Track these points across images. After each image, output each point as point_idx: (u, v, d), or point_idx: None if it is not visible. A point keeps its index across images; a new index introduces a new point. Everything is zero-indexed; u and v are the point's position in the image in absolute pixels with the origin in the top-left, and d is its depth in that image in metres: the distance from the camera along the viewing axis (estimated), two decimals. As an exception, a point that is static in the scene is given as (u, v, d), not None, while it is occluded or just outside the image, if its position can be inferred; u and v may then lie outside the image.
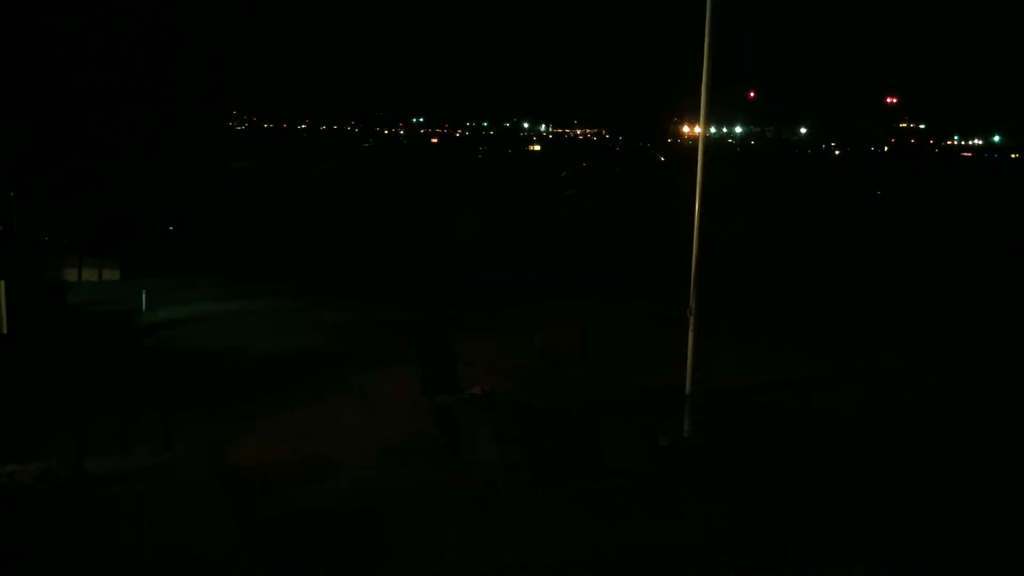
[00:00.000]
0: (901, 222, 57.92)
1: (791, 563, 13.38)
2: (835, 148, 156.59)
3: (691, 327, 17.54)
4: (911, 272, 39.59)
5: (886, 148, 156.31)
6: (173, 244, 48.05)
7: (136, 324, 29.32)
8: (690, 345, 17.63)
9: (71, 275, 38.58)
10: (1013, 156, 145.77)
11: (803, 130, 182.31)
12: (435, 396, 19.44)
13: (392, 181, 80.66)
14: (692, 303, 17.45)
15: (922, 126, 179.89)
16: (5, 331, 24.54)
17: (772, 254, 44.16)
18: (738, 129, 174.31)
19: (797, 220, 56.98)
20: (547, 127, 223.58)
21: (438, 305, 31.38)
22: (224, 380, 22.32)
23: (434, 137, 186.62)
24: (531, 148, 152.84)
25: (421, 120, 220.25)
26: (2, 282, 24.54)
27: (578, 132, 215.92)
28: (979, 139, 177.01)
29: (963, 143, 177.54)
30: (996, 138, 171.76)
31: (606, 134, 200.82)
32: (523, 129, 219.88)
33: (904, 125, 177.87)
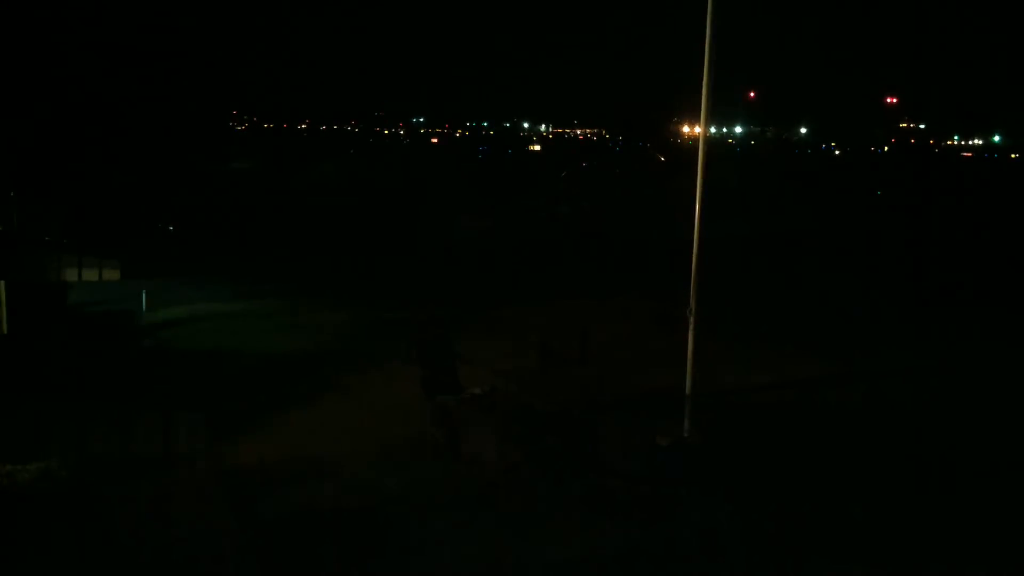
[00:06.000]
0: (901, 222, 57.90)
1: (791, 563, 13.38)
2: (835, 148, 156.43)
3: (691, 327, 17.53)
4: (912, 272, 39.58)
5: (886, 148, 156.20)
6: (173, 244, 47.95)
7: (136, 324, 29.29)
8: (690, 345, 17.62)
9: (71, 275, 38.52)
10: (1013, 156, 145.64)
11: (803, 130, 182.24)
12: (435, 396, 19.43)
13: (392, 181, 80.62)
14: (692, 303, 17.44)
15: (922, 126, 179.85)
16: (5, 331, 24.53)
17: (773, 254, 44.14)
18: (738, 129, 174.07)
19: (797, 220, 56.96)
20: (547, 127, 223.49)
21: (438, 305, 31.35)
22: (224, 380, 22.30)
23: (434, 137, 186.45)
24: (531, 148, 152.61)
25: (421, 120, 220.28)
26: (2, 282, 24.54)
27: (578, 132, 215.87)
28: (979, 139, 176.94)
29: (963, 143, 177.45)
30: (996, 138, 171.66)
31: (606, 134, 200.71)
32: (523, 129, 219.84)
33: (904, 125, 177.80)
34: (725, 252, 30.72)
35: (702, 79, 17.38)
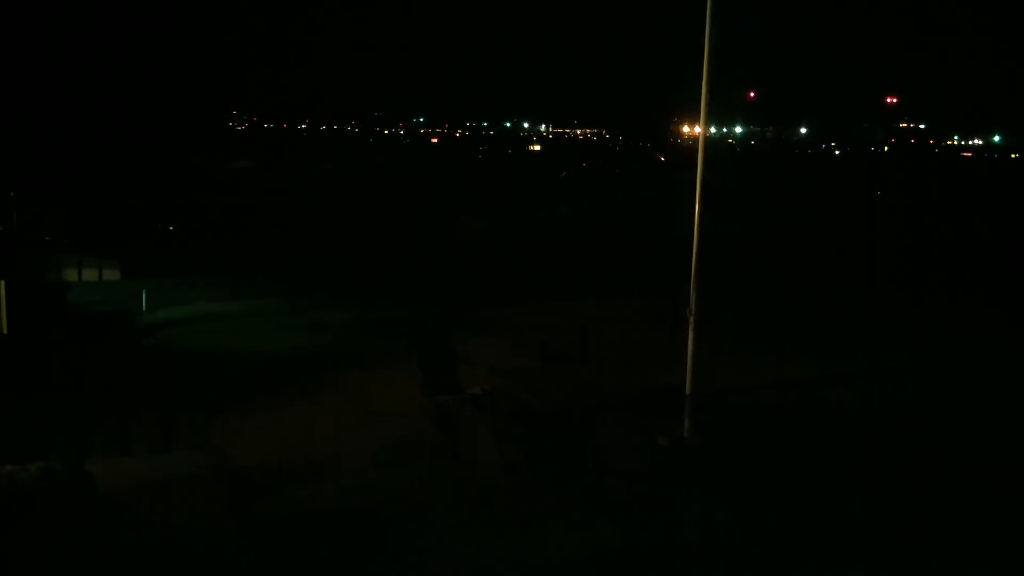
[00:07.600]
0: (901, 222, 57.95)
1: (791, 563, 13.39)
2: (835, 148, 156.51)
3: (691, 327, 17.54)
4: (911, 271, 39.58)
5: (886, 148, 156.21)
6: (173, 244, 47.94)
7: (136, 324, 29.31)
8: (690, 345, 17.63)
9: (71, 275, 38.53)
10: (1013, 156, 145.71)
11: (803, 130, 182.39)
12: (435, 396, 19.46)
13: (392, 181, 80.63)
14: (692, 303, 17.45)
15: (922, 126, 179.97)
16: (5, 331, 24.52)
17: (772, 254, 44.15)
18: (738, 129, 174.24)
19: (797, 220, 57.02)
20: (547, 127, 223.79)
21: (439, 305, 31.37)
22: (224, 380, 22.31)
23: (434, 137, 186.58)
24: (531, 148, 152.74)
25: (421, 120, 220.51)
26: (2, 282, 24.53)
27: (578, 132, 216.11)
28: (979, 139, 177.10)
29: (963, 143, 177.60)
30: (996, 138, 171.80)
31: (606, 134, 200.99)
32: (523, 129, 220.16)
33: (904, 125, 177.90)
34: (725, 252, 30.73)
35: (702, 79, 17.38)
